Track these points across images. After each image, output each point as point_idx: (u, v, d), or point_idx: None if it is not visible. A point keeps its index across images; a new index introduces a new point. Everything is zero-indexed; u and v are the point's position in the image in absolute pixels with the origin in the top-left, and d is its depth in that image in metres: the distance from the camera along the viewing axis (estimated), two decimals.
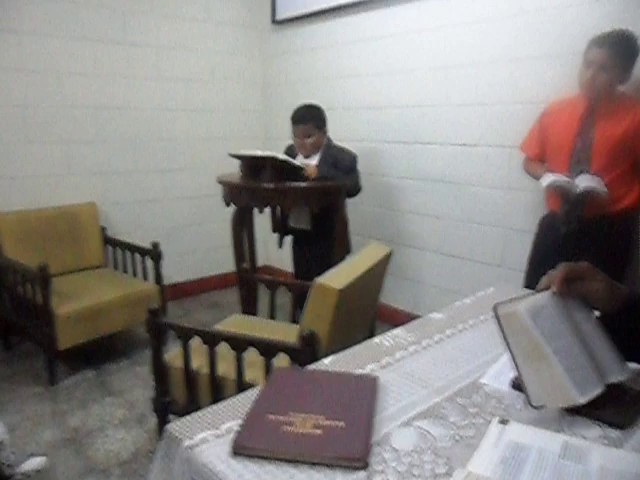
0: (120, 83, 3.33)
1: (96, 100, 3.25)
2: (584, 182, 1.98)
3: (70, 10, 3.06)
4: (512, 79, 2.52)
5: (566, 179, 2.03)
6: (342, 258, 2.61)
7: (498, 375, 0.97)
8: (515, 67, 2.51)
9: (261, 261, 3.69)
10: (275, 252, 3.18)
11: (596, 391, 0.79)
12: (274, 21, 3.80)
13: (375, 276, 2.00)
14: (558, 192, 2.09)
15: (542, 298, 0.84)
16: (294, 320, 2.30)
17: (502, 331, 0.82)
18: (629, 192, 2.07)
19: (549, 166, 2.20)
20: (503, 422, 0.80)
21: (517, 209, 2.58)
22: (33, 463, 1.88)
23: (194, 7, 3.58)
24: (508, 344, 0.81)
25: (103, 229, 3.25)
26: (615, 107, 2.04)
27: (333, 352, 1.09)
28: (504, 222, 2.67)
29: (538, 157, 2.29)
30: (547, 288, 0.86)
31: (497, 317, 0.82)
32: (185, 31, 3.57)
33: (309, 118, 2.75)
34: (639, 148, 2.02)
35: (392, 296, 3.22)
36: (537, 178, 2.16)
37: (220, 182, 2.71)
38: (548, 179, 2.06)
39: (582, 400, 0.77)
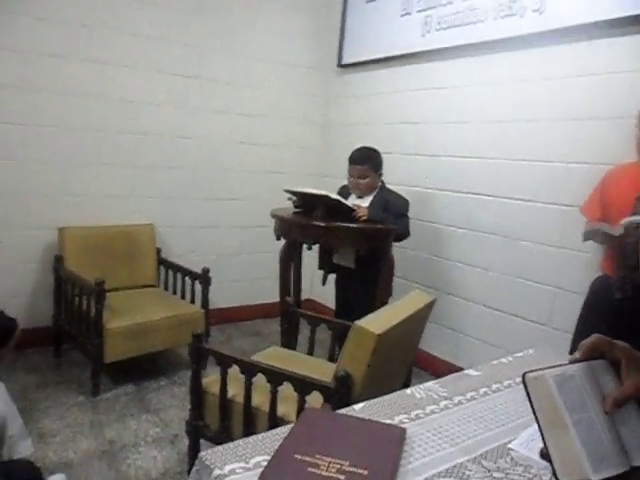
0: (187, 114, 3.54)
1: (165, 129, 3.46)
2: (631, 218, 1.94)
3: (151, 45, 3.30)
4: (573, 138, 2.51)
5: (607, 226, 2.00)
6: (385, 302, 2.63)
7: (528, 442, 0.96)
8: (577, 126, 2.50)
9: (305, 294, 3.74)
10: (320, 287, 3.22)
11: (615, 470, 0.78)
12: (340, 65, 3.95)
13: (416, 324, 2.01)
14: (598, 240, 2.06)
15: (572, 368, 0.84)
16: (332, 358, 2.32)
17: (529, 396, 0.82)
18: None
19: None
20: None
21: (568, 269, 2.53)
22: (54, 479, 1.93)
23: (265, 48, 3.78)
24: (534, 410, 0.82)
25: (158, 250, 3.41)
26: None
27: (368, 396, 1.12)
28: (554, 280, 2.62)
29: (598, 220, 2.25)
30: (579, 360, 0.86)
31: (524, 383, 0.82)
32: (254, 69, 3.76)
33: (366, 160, 2.82)
34: None
35: (433, 344, 3.18)
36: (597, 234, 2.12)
37: (273, 216, 2.81)
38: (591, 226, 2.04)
39: (594, 477, 0.76)
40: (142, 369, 2.98)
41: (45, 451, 2.19)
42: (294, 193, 2.81)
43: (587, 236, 2.09)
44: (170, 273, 3.34)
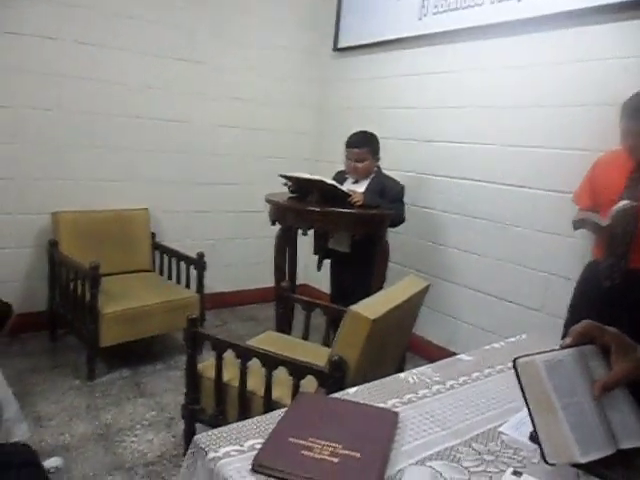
0: (183, 99, 3.51)
1: (160, 113, 3.43)
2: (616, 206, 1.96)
3: (143, 27, 3.26)
4: (566, 124, 2.52)
5: (596, 215, 2.02)
6: (380, 287, 2.64)
7: (519, 425, 0.98)
8: (570, 113, 2.50)
9: (301, 280, 3.75)
10: (315, 273, 3.23)
11: (602, 453, 0.79)
12: (335, 49, 3.91)
13: (410, 309, 2.02)
14: (588, 229, 2.07)
15: (563, 353, 0.86)
16: (327, 343, 2.33)
17: (519, 380, 0.84)
18: None
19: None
20: (516, 474, 0.82)
21: (562, 255, 2.55)
22: (51, 462, 1.95)
23: (260, 32, 3.74)
24: (524, 394, 0.83)
25: (153, 235, 3.40)
26: None
27: (362, 380, 1.13)
28: (547, 266, 2.64)
29: (589, 208, 2.26)
30: (570, 345, 0.87)
31: (515, 367, 0.84)
32: (249, 54, 3.72)
33: (365, 143, 2.82)
34: None
35: (427, 329, 3.21)
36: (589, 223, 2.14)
37: (268, 201, 2.80)
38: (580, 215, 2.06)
39: (582, 459, 0.78)
40: (138, 353, 3.00)
41: (42, 435, 2.21)
42: (289, 178, 2.81)
43: (577, 225, 2.12)
44: (165, 258, 3.34)
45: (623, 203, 1.96)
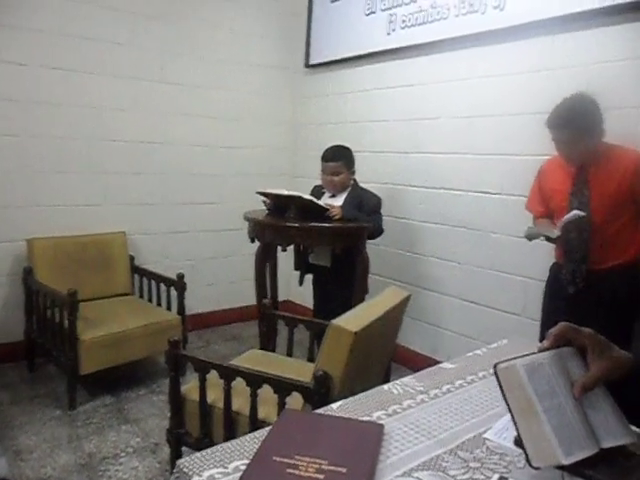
0: (156, 119, 3.50)
1: (134, 135, 3.42)
2: (565, 217, 2.01)
3: (113, 50, 3.26)
4: (535, 132, 2.56)
5: (547, 227, 2.06)
6: (361, 299, 2.65)
7: (503, 431, 0.98)
8: (539, 120, 2.54)
9: (283, 296, 3.74)
10: (297, 288, 3.23)
11: (585, 453, 0.80)
12: (307, 65, 3.95)
13: (392, 320, 2.03)
14: (542, 240, 2.13)
15: (541, 356, 0.87)
16: (311, 358, 2.32)
17: (500, 386, 0.84)
18: (633, 242, 2.07)
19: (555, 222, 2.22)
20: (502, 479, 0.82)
21: (537, 259, 2.58)
22: None
23: (230, 50, 3.77)
24: (506, 399, 0.84)
25: (131, 258, 3.36)
26: (604, 162, 2.05)
27: (348, 394, 1.12)
28: (524, 271, 2.67)
29: (544, 215, 2.31)
30: (547, 349, 0.88)
31: (496, 373, 0.84)
32: (220, 72, 3.74)
33: (339, 157, 2.85)
34: (637, 197, 2.02)
35: (411, 338, 3.22)
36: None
37: (246, 219, 2.80)
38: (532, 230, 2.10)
39: (565, 461, 0.79)
40: (120, 379, 2.94)
41: (22, 468, 2.15)
42: (267, 195, 2.81)
43: (529, 237, 2.14)
44: (144, 280, 3.30)
45: (572, 214, 1.99)
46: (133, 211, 3.48)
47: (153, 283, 3.24)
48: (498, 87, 2.74)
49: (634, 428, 0.89)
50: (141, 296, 3.31)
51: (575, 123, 1.98)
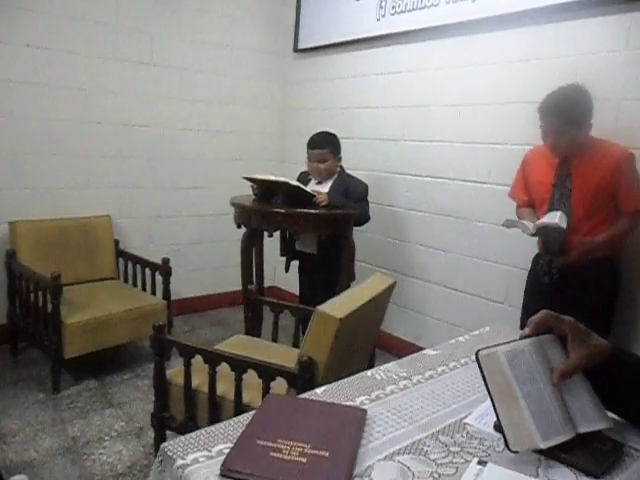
0: (144, 102, 3.45)
1: (120, 117, 3.37)
2: (544, 219, 2.02)
3: (100, 31, 3.19)
4: (523, 121, 2.58)
5: (525, 222, 2.07)
6: (347, 286, 2.66)
7: (483, 416, 1.00)
8: (527, 109, 2.56)
9: (269, 282, 3.74)
10: (283, 274, 3.23)
11: (562, 437, 0.82)
12: (296, 49, 3.91)
13: (377, 307, 2.04)
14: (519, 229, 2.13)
15: (522, 343, 0.89)
16: (296, 344, 2.33)
17: (482, 372, 0.86)
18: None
19: (537, 212, 2.24)
20: (481, 463, 0.84)
21: (520, 248, 2.60)
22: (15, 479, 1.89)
23: (220, 33, 3.72)
24: (487, 385, 0.85)
25: (116, 242, 3.34)
26: (588, 155, 2.08)
27: (332, 379, 1.13)
28: (508, 260, 2.70)
29: (527, 204, 2.33)
30: (528, 336, 0.90)
31: (478, 360, 0.86)
32: (209, 55, 3.69)
33: (325, 144, 2.83)
34: (617, 193, 2.05)
35: (395, 325, 3.25)
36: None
37: (232, 204, 2.79)
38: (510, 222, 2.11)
39: (542, 445, 0.81)
40: (104, 363, 2.93)
41: (5, 452, 2.14)
42: (253, 180, 2.80)
43: (507, 225, 2.14)
44: (129, 265, 3.28)
45: (551, 221, 2.00)
46: (119, 195, 3.45)
47: (138, 268, 3.22)
48: (488, 76, 2.74)
49: (610, 414, 0.91)
50: (126, 280, 3.29)
51: (566, 112, 2.00)
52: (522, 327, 0.94)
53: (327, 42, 3.63)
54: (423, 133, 3.08)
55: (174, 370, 1.99)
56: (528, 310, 2.26)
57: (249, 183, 2.83)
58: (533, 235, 2.08)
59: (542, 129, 2.10)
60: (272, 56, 4.03)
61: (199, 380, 1.88)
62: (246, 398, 1.80)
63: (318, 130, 2.94)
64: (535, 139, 2.46)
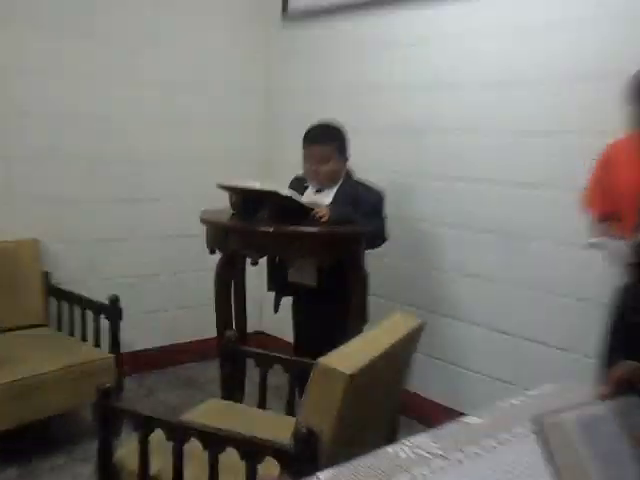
0: (82, 85, 3.49)
1: (50, 106, 3.40)
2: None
3: None
4: (594, 101, 2.57)
5: (614, 242, 2.08)
6: (359, 330, 2.65)
7: None
8: (600, 86, 2.55)
9: (253, 326, 3.74)
10: (272, 315, 3.22)
11: None
12: (285, 10, 3.96)
13: (400, 358, 2.04)
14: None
15: (601, 407, 0.88)
16: (291, 411, 2.33)
17: (545, 448, 0.85)
18: None
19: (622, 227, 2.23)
20: None
21: (597, 274, 2.59)
22: None
23: None
24: (553, 466, 0.84)
25: (47, 275, 3.34)
26: None
27: (340, 459, 1.13)
28: (578, 291, 2.69)
29: (607, 217, 2.31)
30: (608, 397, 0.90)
31: (539, 430, 0.85)
32: (169, 23, 3.75)
33: (328, 138, 2.85)
34: None
35: (424, 383, 3.23)
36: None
37: (204, 221, 2.80)
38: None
39: None
40: (30, 443, 2.91)
41: None
42: (232, 189, 2.80)
43: (594, 247, 2.15)
44: (64, 306, 3.29)
45: None
46: (49, 210, 3.46)
47: (76, 309, 3.22)
48: (543, 43, 2.74)
49: None
50: (60, 327, 3.30)
51: None
52: (599, 384, 0.94)
53: (326, 3, 3.67)
54: (459, 122, 3.10)
55: (126, 450, 1.98)
56: (608, 360, 2.24)
57: (226, 193, 2.84)
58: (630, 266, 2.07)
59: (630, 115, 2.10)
60: (253, 23, 4.09)
61: (160, 463, 1.87)
62: None
63: (316, 120, 2.97)
64: (608, 125, 2.44)
